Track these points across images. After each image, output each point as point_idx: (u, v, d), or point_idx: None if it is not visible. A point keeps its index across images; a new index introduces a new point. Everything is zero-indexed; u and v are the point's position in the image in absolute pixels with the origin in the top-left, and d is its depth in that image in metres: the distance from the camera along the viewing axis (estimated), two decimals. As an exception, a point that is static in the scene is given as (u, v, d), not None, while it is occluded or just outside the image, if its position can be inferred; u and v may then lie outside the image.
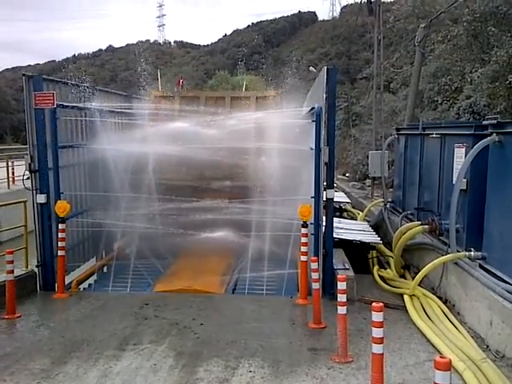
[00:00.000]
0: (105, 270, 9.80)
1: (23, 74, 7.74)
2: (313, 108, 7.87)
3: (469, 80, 16.48)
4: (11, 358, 5.42)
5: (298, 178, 8.91)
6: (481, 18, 14.80)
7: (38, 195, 7.85)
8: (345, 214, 13.85)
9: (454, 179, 7.26)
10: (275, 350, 5.67)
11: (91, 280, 9.18)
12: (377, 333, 4.26)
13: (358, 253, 9.20)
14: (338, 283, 5.47)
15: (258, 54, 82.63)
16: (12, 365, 5.26)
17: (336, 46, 64.70)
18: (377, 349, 4.21)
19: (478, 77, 15.17)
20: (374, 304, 4.32)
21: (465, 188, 6.94)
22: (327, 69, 7.41)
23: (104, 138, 9.04)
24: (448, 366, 3.11)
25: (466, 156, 6.91)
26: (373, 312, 4.32)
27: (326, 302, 6.82)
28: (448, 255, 6.82)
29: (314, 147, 7.66)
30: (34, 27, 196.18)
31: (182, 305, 7.20)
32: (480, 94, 15.31)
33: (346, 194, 17.31)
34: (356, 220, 12.65)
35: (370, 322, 6.43)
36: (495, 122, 6.22)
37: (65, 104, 8.44)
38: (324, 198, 7.71)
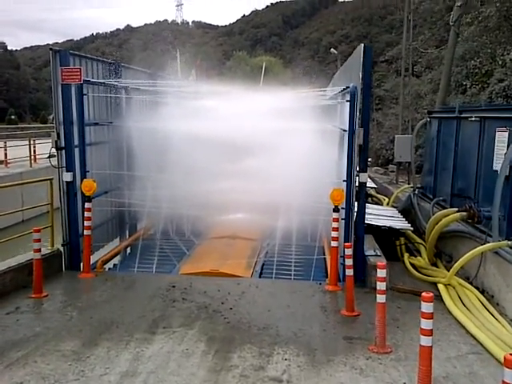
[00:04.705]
0: (128, 250, 9.69)
1: (50, 49, 7.52)
2: (347, 87, 7.56)
3: (500, 63, 15.93)
4: (41, 339, 5.31)
5: (328, 160, 8.67)
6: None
7: (64, 173, 7.68)
8: (369, 199, 13.56)
9: (495, 165, 6.93)
10: (309, 337, 5.48)
11: (116, 260, 9.06)
12: (426, 324, 4.02)
13: (384, 239, 8.93)
14: (378, 270, 5.24)
15: (276, 35, 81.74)
16: (42, 345, 5.14)
17: (356, 27, 63.65)
18: (425, 341, 3.99)
19: (511, 59, 14.64)
20: (423, 294, 4.07)
21: (507, 174, 6.60)
22: (364, 46, 7.05)
23: (131, 116, 8.85)
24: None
25: (508, 140, 6.58)
26: (422, 302, 4.07)
27: (356, 289, 6.57)
28: (488, 244, 6.52)
29: (347, 129, 7.37)
30: (53, 6, 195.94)
31: (209, 288, 7.02)
32: (513, 77, 14.80)
33: (370, 178, 16.97)
34: (381, 205, 12.36)
35: (405, 311, 6.31)
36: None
37: (92, 80, 8.24)
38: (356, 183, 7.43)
